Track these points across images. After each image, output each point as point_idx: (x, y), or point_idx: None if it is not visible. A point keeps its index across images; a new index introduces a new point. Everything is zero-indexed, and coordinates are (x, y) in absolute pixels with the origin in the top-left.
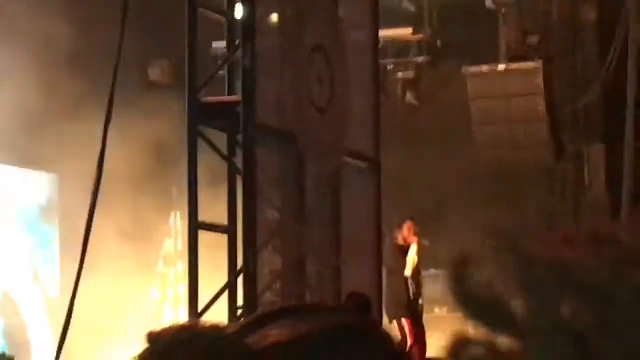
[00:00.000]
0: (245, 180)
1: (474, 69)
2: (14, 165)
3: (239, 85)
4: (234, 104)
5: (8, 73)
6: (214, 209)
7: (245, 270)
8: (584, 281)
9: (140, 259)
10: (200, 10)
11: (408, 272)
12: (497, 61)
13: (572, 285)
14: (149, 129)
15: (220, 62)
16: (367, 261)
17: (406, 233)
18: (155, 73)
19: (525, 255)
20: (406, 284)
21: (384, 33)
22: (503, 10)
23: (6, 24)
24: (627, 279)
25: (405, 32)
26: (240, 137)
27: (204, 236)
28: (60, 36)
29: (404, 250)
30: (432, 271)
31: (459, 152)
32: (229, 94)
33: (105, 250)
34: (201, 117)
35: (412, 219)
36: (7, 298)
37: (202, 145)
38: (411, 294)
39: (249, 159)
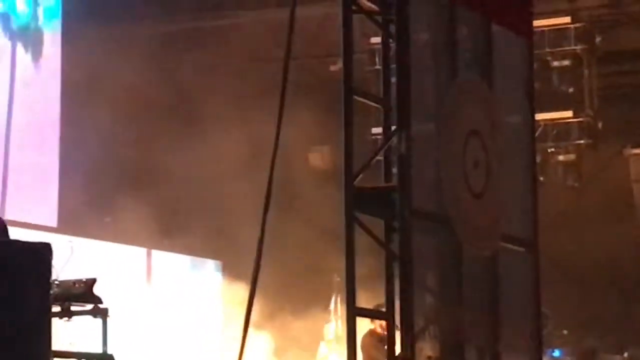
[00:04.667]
0: (402, 266)
1: (636, 150)
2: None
3: (396, 170)
4: (390, 189)
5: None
6: (372, 294)
7: (403, 356)
8: None
9: (302, 342)
10: (357, 97)
11: None
12: None
13: None
14: (310, 213)
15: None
16: (528, 346)
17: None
18: (315, 158)
19: None
20: None
21: (544, 116)
22: None
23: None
24: None
25: (566, 114)
26: (396, 223)
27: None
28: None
29: (379, 336)
30: None
31: (621, 234)
32: (386, 180)
33: (267, 331)
34: (358, 203)
35: None
36: None
37: (360, 231)
38: None
39: (405, 245)
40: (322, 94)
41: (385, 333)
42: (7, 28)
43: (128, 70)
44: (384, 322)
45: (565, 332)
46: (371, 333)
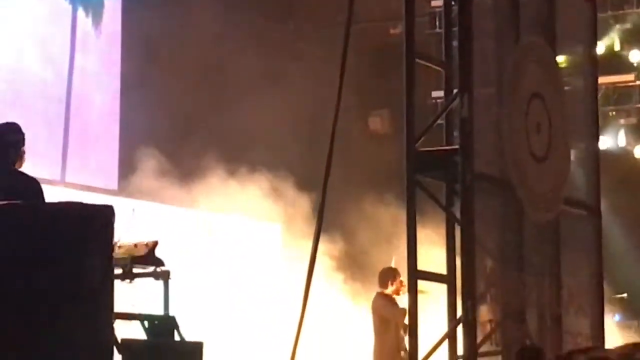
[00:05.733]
0: (463, 229)
1: None
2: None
3: (457, 134)
4: (452, 153)
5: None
6: (433, 258)
7: (464, 319)
8: None
9: (360, 304)
10: (419, 60)
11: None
12: None
13: None
14: (370, 176)
15: (438, 111)
16: (589, 310)
17: (399, 285)
18: (375, 122)
19: None
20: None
21: (605, 79)
22: None
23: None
24: None
25: (627, 77)
26: (458, 186)
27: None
28: (286, 91)
29: (393, 299)
30: None
31: None
32: (447, 143)
33: (325, 297)
34: (419, 166)
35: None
36: None
37: (421, 194)
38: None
39: (467, 208)
40: (381, 58)
41: (397, 296)
42: None
43: (188, 34)
44: (398, 285)
45: (625, 295)
46: (381, 295)
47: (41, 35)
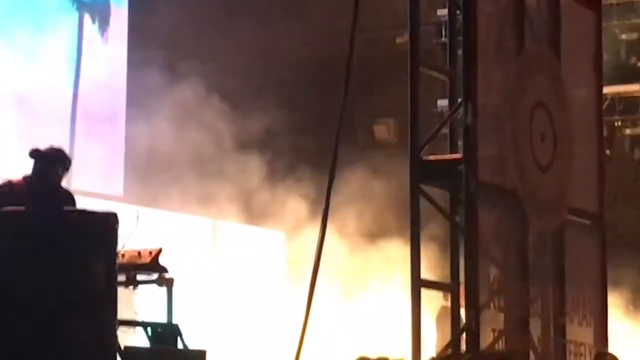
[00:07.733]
0: (467, 238)
1: None
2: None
3: (461, 142)
4: (456, 161)
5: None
6: (436, 266)
7: (468, 328)
8: None
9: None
10: (423, 69)
11: None
12: None
13: None
14: (375, 185)
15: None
16: (594, 319)
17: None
18: (380, 131)
19: None
20: None
21: (611, 89)
22: None
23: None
24: None
25: (633, 87)
26: (462, 195)
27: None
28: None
29: None
30: None
31: None
32: (451, 152)
33: (329, 307)
34: (423, 175)
35: None
36: None
37: (425, 203)
38: None
39: (471, 217)
40: (387, 67)
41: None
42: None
43: (196, 41)
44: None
45: (630, 307)
46: (445, 307)
47: None
